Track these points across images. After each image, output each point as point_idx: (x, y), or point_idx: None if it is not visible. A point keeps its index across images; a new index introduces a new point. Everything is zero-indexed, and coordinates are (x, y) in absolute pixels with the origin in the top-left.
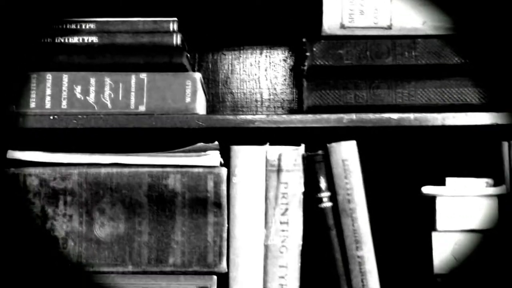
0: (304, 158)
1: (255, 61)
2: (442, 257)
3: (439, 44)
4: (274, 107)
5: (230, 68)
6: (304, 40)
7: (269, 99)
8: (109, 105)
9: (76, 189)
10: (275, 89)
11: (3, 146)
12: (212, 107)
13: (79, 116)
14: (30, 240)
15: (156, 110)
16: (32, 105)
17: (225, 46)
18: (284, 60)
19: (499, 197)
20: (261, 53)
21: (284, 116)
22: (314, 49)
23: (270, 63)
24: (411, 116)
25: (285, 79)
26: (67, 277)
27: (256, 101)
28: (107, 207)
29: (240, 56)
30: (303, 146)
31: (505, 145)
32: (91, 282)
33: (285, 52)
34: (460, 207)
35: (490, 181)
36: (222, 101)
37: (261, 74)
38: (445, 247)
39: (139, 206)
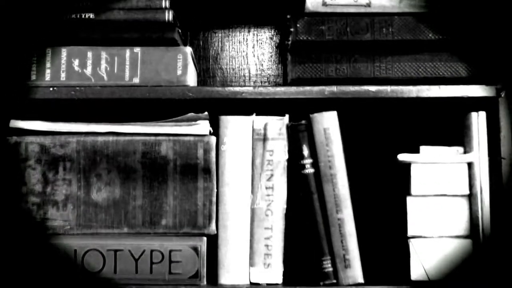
0: (288, 127)
1: (244, 39)
2: (416, 220)
3: (414, 21)
4: (261, 82)
5: (220, 45)
6: (288, 16)
7: (256, 75)
8: (105, 77)
9: (75, 156)
10: (262, 65)
11: (5, 116)
12: (203, 82)
13: (77, 88)
14: (33, 202)
15: (149, 82)
16: (33, 77)
17: (216, 24)
18: (271, 38)
19: (469, 164)
20: (249, 31)
21: (270, 88)
22: (298, 25)
23: (257, 40)
24: (388, 88)
25: (271, 56)
26: (68, 237)
27: (244, 76)
28: (103, 173)
29: (230, 34)
30: (287, 116)
31: (474, 115)
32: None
33: (271, 30)
34: (433, 173)
35: (460, 149)
36: (212, 76)
37: (249, 51)
38: (419, 211)
39: (134, 172)
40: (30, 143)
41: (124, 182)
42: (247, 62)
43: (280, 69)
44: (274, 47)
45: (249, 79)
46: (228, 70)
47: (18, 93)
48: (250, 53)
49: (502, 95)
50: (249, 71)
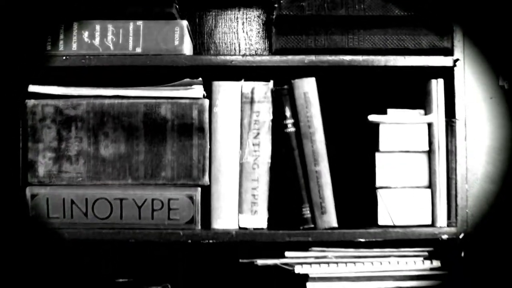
0: (273, 91)
1: (234, 17)
2: (383, 173)
3: None
4: (250, 55)
5: (213, 22)
6: None
7: (245, 48)
8: (111, 47)
9: (85, 116)
10: (250, 39)
11: (24, 81)
12: (198, 54)
13: (87, 57)
14: (49, 157)
15: (150, 51)
16: (48, 47)
17: (210, 4)
18: (258, 17)
19: (429, 124)
20: (239, 10)
21: (256, 56)
22: (281, 1)
23: (246, 18)
24: (360, 58)
25: (259, 32)
26: (80, 188)
27: (235, 49)
28: (110, 131)
29: (222, 13)
30: (272, 82)
31: (434, 82)
32: (97, 192)
33: (259, 10)
34: (399, 132)
35: (421, 111)
36: (207, 49)
37: (239, 28)
38: (386, 165)
39: (137, 130)
40: (46, 105)
41: (128, 140)
42: (238, 37)
43: (266, 43)
44: (261, 24)
45: (239, 52)
46: (220, 44)
47: (35, 61)
48: (240, 30)
49: (457, 65)
50: (239, 45)
